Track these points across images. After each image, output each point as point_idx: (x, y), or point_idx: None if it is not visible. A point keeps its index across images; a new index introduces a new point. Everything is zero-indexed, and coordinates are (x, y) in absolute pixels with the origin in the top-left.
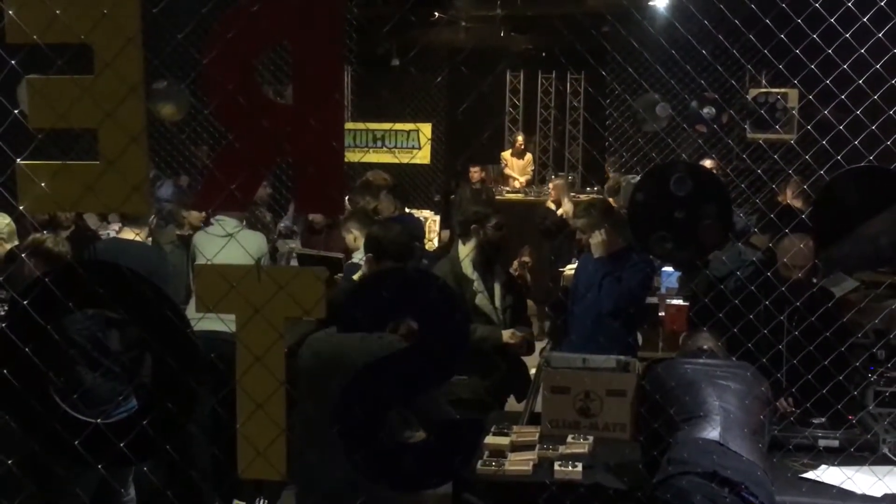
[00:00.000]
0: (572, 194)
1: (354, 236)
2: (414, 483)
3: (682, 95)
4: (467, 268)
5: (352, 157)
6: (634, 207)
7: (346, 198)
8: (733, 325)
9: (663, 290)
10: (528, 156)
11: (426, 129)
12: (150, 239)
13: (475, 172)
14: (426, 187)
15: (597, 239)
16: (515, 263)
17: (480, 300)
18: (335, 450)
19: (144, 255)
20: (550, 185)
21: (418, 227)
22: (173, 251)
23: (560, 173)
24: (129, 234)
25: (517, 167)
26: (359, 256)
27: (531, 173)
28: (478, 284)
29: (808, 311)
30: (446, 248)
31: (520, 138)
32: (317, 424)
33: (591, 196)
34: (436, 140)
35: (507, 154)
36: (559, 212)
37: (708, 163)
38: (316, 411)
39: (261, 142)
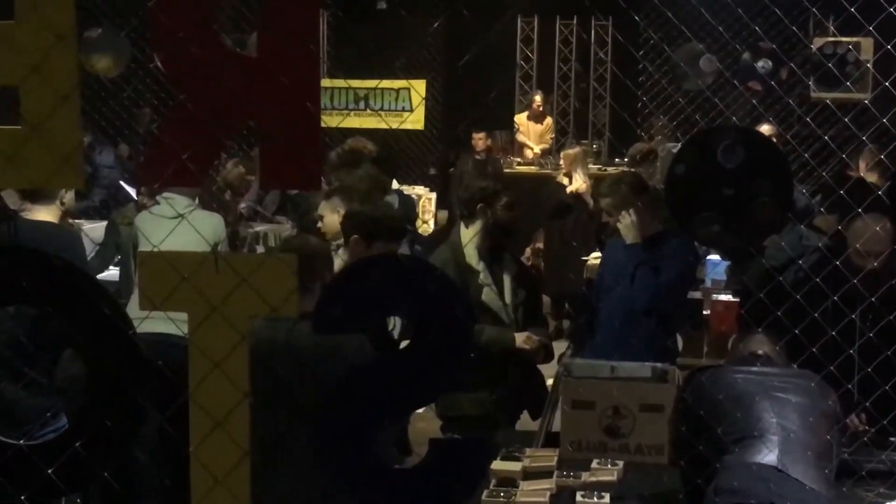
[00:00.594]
0: (598, 167)
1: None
2: None
3: (731, 46)
4: (471, 256)
5: (328, 121)
6: (674, 182)
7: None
8: (794, 326)
9: (709, 283)
10: (548, 120)
11: (420, 86)
12: (75, 223)
13: (479, 140)
14: (420, 158)
15: (627, 221)
16: (528, 251)
17: (487, 295)
18: (305, 473)
19: (53, 241)
20: (561, 155)
21: (410, 207)
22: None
23: (583, 141)
24: (41, 215)
25: (534, 133)
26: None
27: (550, 141)
28: (484, 276)
29: (885, 309)
30: (444, 231)
31: (538, 98)
32: (279, 441)
33: (620, 169)
34: (431, 101)
35: (522, 117)
36: (570, 188)
37: (764, 128)
38: (276, 425)
39: (218, 102)
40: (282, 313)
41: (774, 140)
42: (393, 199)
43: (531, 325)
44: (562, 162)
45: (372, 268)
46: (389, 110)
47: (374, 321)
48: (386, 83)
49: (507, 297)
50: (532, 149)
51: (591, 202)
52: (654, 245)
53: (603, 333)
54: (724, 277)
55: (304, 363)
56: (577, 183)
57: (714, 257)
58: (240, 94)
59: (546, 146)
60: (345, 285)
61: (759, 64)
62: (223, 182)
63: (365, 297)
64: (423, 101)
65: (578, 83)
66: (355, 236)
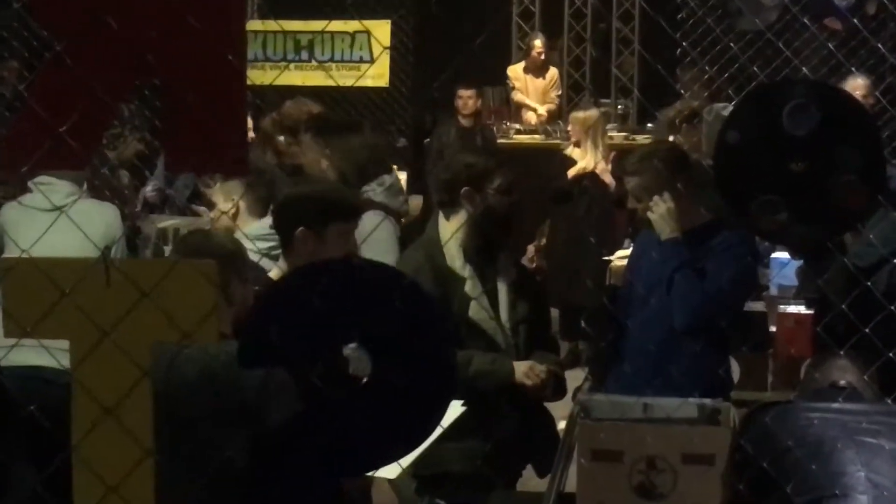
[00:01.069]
0: (624, 135)
1: (237, 206)
2: None
3: None
4: (454, 258)
5: (259, 77)
6: (725, 155)
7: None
8: (888, 347)
9: (774, 291)
10: (553, 72)
11: (382, 29)
12: None
13: (466, 99)
14: (383, 125)
15: (661, 209)
16: (531, 250)
17: (476, 311)
18: None
19: None
20: (570, 119)
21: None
22: None
23: (602, 100)
24: None
25: (534, 90)
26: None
27: (556, 100)
28: (472, 285)
29: None
30: (417, 224)
31: (538, 43)
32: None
33: (652, 138)
34: (399, 48)
35: (517, 69)
36: (578, 165)
37: (850, 83)
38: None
39: (108, 55)
40: (197, 339)
41: (860, 98)
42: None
43: (536, 349)
44: (571, 128)
45: (318, 277)
46: (342, 61)
47: (321, 350)
48: (337, 25)
49: (504, 313)
50: (534, 110)
51: (611, 183)
52: (699, 240)
53: (633, 360)
54: (794, 283)
55: (228, 407)
56: (590, 158)
57: (781, 255)
58: (135, 44)
59: (552, 106)
60: (281, 302)
61: None
62: (118, 161)
63: (308, 317)
64: (388, 51)
65: (597, 23)
66: (301, 229)
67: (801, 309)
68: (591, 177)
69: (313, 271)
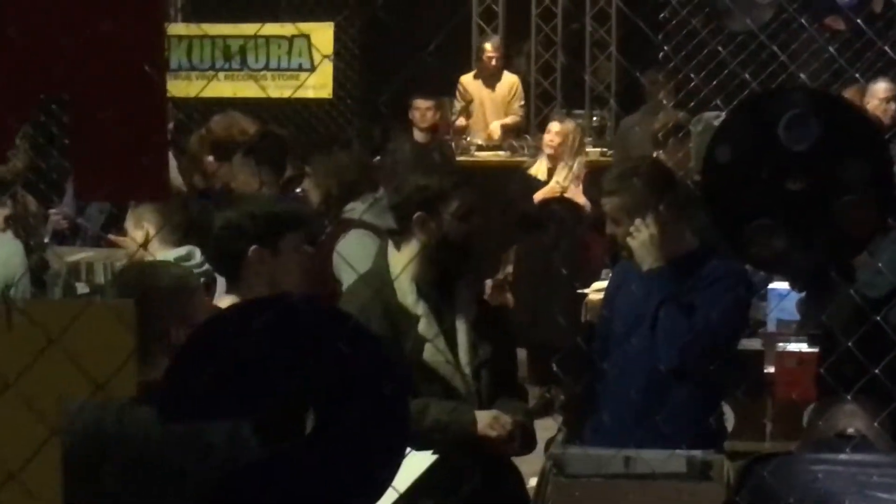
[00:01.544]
0: (601, 150)
1: (147, 233)
2: None
3: None
4: (406, 293)
5: (183, 89)
6: (714, 174)
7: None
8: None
9: (772, 327)
10: (512, 80)
11: (323, 34)
12: None
13: (424, 112)
14: (327, 143)
15: (643, 235)
16: (488, 284)
17: (432, 354)
18: None
19: None
20: (546, 136)
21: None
22: None
23: (575, 111)
24: None
25: (490, 102)
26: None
27: (520, 112)
28: (426, 324)
29: None
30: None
31: (488, 46)
32: None
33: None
34: (344, 54)
35: (468, 79)
36: (549, 186)
37: (871, 88)
38: None
39: (9, 64)
40: (113, 391)
41: (882, 105)
42: None
43: (501, 396)
44: (547, 142)
45: (250, 319)
46: (279, 70)
47: (255, 401)
48: (272, 29)
49: (464, 356)
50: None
51: (586, 205)
52: (686, 270)
53: (612, 407)
54: (795, 317)
55: (147, 469)
56: (561, 177)
57: (781, 286)
58: (39, 49)
59: (515, 119)
60: (207, 348)
61: None
62: (10, 177)
63: (239, 364)
64: (330, 58)
65: (568, 24)
66: (254, 248)
67: (804, 347)
68: (561, 199)
69: (244, 312)
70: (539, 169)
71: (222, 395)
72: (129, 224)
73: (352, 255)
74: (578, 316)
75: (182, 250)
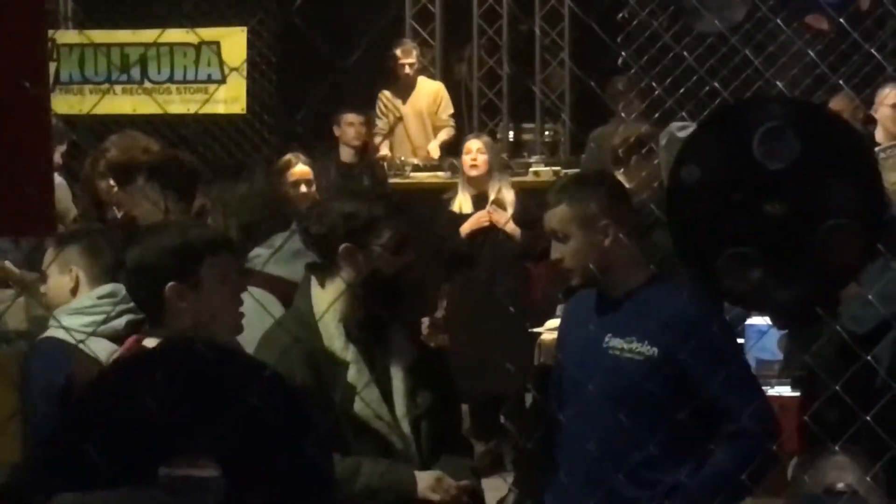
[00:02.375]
0: (554, 168)
1: (76, 277)
2: None
3: None
4: (333, 336)
5: (75, 105)
6: (680, 197)
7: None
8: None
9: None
10: (432, 88)
11: (235, 41)
12: None
13: (357, 127)
14: (240, 163)
15: (582, 254)
16: (425, 324)
17: (363, 405)
18: None
19: None
20: (465, 157)
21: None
22: None
23: (526, 125)
24: None
25: (413, 115)
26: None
27: (450, 122)
28: (357, 372)
29: None
30: (282, 293)
31: (398, 52)
32: None
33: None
34: (258, 63)
35: (387, 96)
36: (474, 218)
37: (880, 93)
38: None
39: None
40: None
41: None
42: None
43: (443, 453)
44: (468, 165)
45: (147, 370)
46: (185, 82)
47: (153, 465)
48: (177, 35)
49: (401, 407)
50: (422, 146)
51: (514, 232)
52: (643, 303)
53: (569, 464)
54: (777, 357)
55: None
56: (498, 208)
57: (760, 321)
58: None
59: (450, 132)
60: (98, 404)
61: None
62: None
63: (135, 422)
64: (245, 65)
65: (515, 25)
66: (171, 285)
67: (786, 391)
68: (491, 229)
69: (140, 361)
70: (461, 201)
71: (111, 462)
72: (51, 268)
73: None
74: (530, 359)
75: (106, 288)
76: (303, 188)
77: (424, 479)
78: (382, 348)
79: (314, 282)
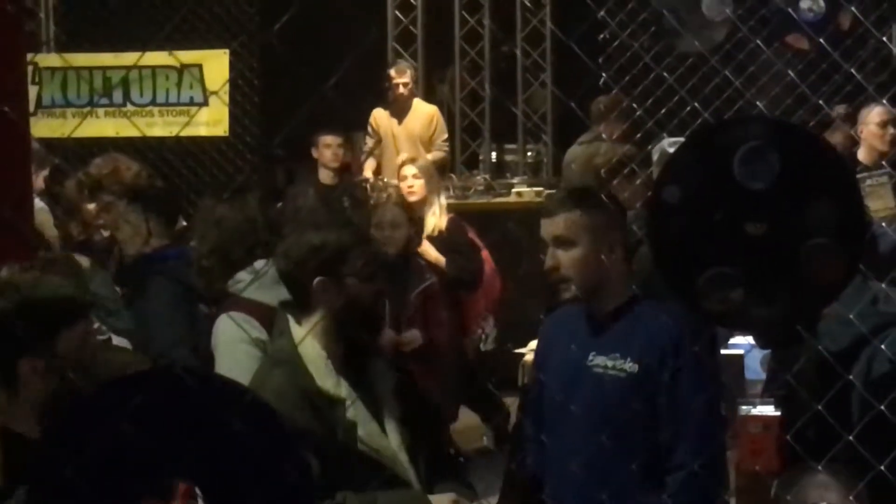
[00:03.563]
0: (537, 189)
1: None
2: None
3: None
4: (323, 374)
5: (57, 128)
6: (661, 216)
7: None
8: (878, 456)
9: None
10: (428, 112)
11: (217, 63)
12: None
13: (335, 148)
14: (222, 186)
15: (584, 264)
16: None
17: (370, 439)
18: None
19: None
20: (403, 184)
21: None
22: None
23: (508, 146)
24: None
25: (406, 137)
26: None
27: (445, 147)
28: (354, 407)
29: None
30: (261, 317)
31: (393, 72)
32: None
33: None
34: (241, 85)
35: (381, 112)
36: (423, 251)
37: (865, 113)
38: None
39: None
40: None
41: (878, 129)
42: None
43: (441, 476)
44: (406, 190)
45: (128, 396)
46: (167, 104)
47: (134, 497)
48: (158, 58)
49: (395, 436)
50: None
51: (438, 260)
52: (626, 320)
53: (555, 485)
54: (760, 376)
55: None
56: (431, 225)
57: (743, 341)
58: None
59: (440, 156)
60: (74, 435)
61: (805, 5)
62: None
63: (113, 452)
64: (227, 87)
65: (497, 46)
66: (25, 360)
67: (770, 410)
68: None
69: (120, 388)
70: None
71: (90, 491)
72: None
73: (222, 347)
74: (520, 378)
75: None
76: None
77: (441, 502)
78: (365, 379)
79: (290, 320)
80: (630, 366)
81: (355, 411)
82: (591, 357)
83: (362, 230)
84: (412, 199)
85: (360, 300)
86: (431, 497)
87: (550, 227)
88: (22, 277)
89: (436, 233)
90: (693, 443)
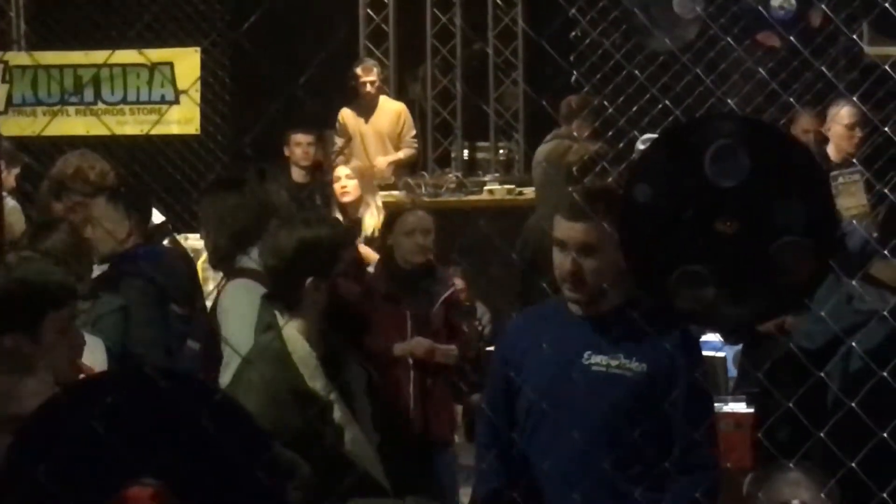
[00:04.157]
0: (508, 188)
1: None
2: None
3: None
4: (315, 376)
5: (28, 127)
6: (633, 216)
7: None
8: (848, 455)
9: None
10: (396, 109)
11: (188, 61)
12: None
13: (304, 147)
14: (194, 185)
15: (606, 272)
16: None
17: (353, 444)
18: None
19: None
20: (336, 185)
21: (178, 273)
22: None
23: (480, 144)
24: None
25: (374, 135)
26: None
27: (414, 144)
28: (340, 410)
29: None
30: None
31: (359, 70)
32: None
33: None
34: (212, 84)
35: (348, 111)
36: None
37: (834, 111)
38: None
39: None
40: None
41: (845, 131)
42: None
43: (405, 474)
44: (340, 192)
45: (95, 397)
46: (138, 102)
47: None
48: (126, 56)
49: (370, 436)
50: (375, 165)
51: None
52: (624, 320)
53: (545, 482)
54: (731, 374)
55: None
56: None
57: (714, 338)
58: None
59: (409, 153)
60: (45, 436)
61: (776, 3)
62: None
63: (83, 453)
64: (196, 87)
65: (469, 44)
66: (9, 336)
67: (742, 407)
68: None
69: (88, 389)
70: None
71: (63, 491)
72: None
73: (233, 309)
74: None
75: None
76: None
77: None
78: (341, 378)
79: (279, 317)
80: (636, 365)
81: (342, 413)
82: (586, 356)
83: (349, 229)
84: (346, 199)
85: (348, 300)
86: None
87: (574, 231)
88: (15, 260)
89: (375, 233)
90: (699, 447)
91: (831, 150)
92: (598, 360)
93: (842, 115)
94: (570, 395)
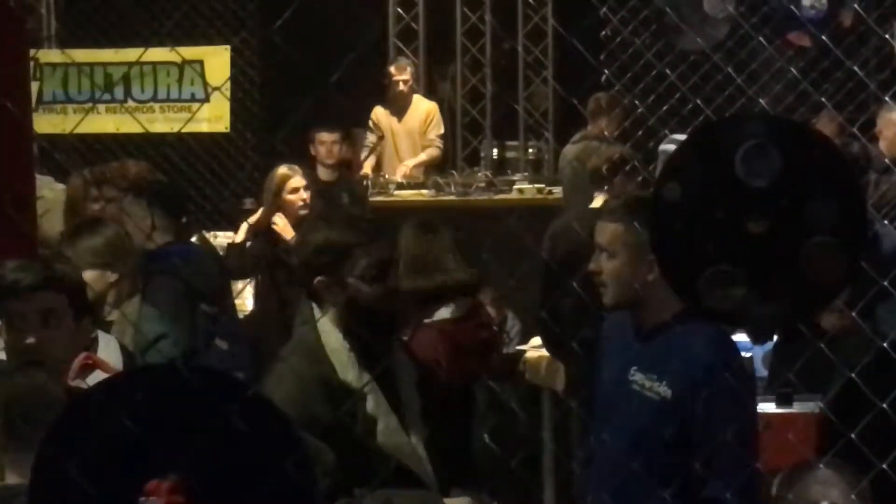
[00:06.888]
0: (538, 186)
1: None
2: None
3: None
4: (347, 367)
5: (59, 124)
6: (663, 216)
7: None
8: (879, 455)
9: None
10: (427, 107)
11: (218, 59)
12: None
13: (330, 146)
14: (223, 183)
15: (621, 278)
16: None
17: (387, 436)
18: None
19: None
20: (290, 197)
21: (206, 269)
22: None
23: (510, 143)
24: None
25: (405, 134)
26: None
27: (438, 143)
28: (374, 401)
29: None
30: (270, 313)
31: (392, 69)
32: None
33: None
34: (242, 82)
35: (381, 109)
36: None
37: (885, 116)
38: None
39: None
40: None
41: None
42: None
43: (458, 481)
44: (297, 203)
45: (123, 394)
46: (168, 100)
47: (136, 490)
48: (156, 54)
49: (414, 429)
50: (406, 164)
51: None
52: (666, 339)
53: (596, 490)
54: (762, 374)
55: None
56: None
57: (741, 338)
58: None
59: (432, 153)
60: (79, 429)
61: (807, 2)
62: None
63: (117, 447)
64: (228, 83)
65: (498, 43)
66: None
67: (771, 408)
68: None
69: (121, 385)
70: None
71: (89, 488)
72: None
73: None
74: None
75: None
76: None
77: None
78: (388, 371)
79: (315, 309)
80: (663, 389)
81: (375, 404)
82: (632, 371)
83: (370, 230)
84: (305, 213)
85: (362, 301)
86: (446, 500)
87: (598, 232)
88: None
89: None
90: (726, 475)
91: (884, 148)
92: (637, 378)
93: (890, 119)
94: (616, 408)
